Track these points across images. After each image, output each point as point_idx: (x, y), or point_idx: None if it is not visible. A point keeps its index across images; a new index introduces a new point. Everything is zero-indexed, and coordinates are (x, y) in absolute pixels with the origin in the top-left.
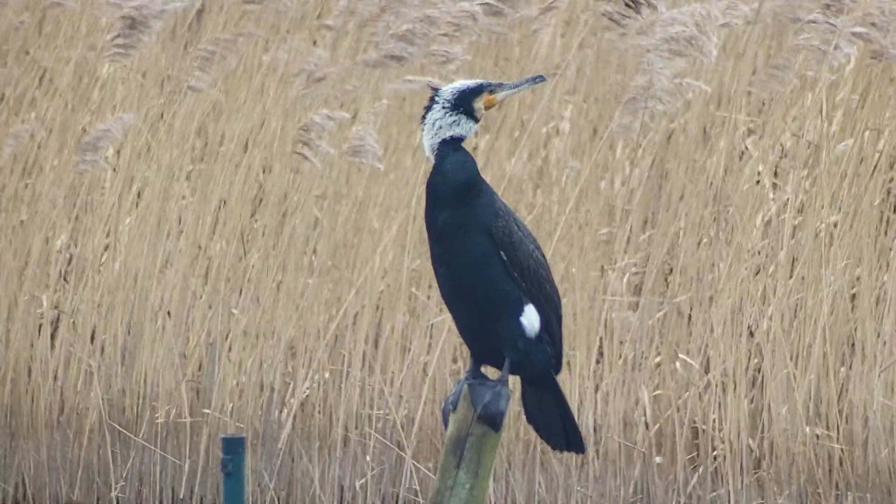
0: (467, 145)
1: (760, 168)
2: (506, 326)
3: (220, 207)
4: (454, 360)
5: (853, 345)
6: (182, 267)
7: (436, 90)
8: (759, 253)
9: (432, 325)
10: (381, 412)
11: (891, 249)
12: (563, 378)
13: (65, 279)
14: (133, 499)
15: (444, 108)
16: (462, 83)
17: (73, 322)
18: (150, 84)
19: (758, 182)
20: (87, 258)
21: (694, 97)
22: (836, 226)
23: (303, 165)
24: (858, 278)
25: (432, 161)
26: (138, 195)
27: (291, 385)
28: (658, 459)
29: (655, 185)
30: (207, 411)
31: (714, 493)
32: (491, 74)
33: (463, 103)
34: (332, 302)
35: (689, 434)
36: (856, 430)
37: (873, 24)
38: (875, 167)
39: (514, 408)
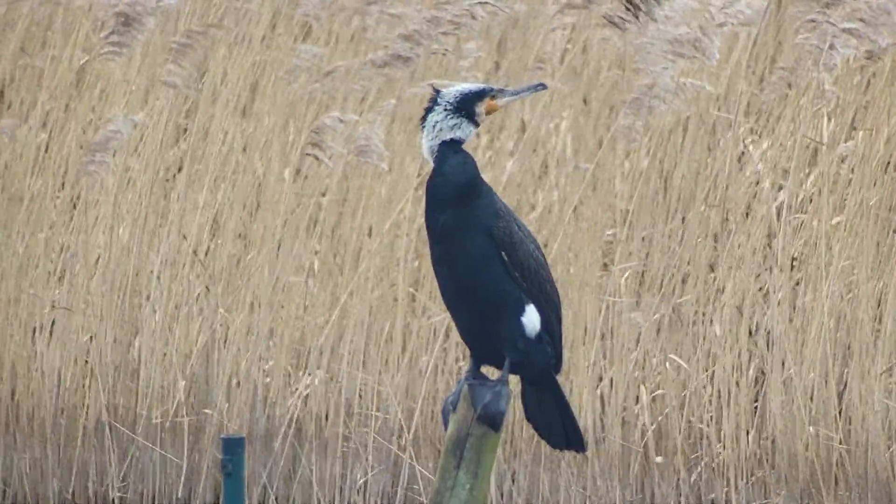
0: (467, 146)
1: (760, 168)
2: (506, 326)
3: (218, 207)
4: (456, 360)
5: (849, 346)
6: (181, 266)
7: (438, 92)
8: (760, 253)
9: (433, 324)
10: (381, 413)
11: (891, 250)
12: (563, 378)
13: (59, 279)
14: (131, 498)
15: (445, 110)
16: (465, 86)
17: (72, 321)
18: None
19: (757, 182)
20: (85, 257)
21: (695, 98)
22: (837, 227)
23: (306, 167)
24: (858, 281)
25: (430, 162)
26: (138, 195)
27: (291, 385)
28: (659, 459)
29: (656, 185)
30: (207, 411)
31: (714, 494)
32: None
33: (465, 107)
34: (332, 301)
35: (689, 434)
36: (856, 430)
37: (862, 20)
38: (887, 168)
39: (515, 407)
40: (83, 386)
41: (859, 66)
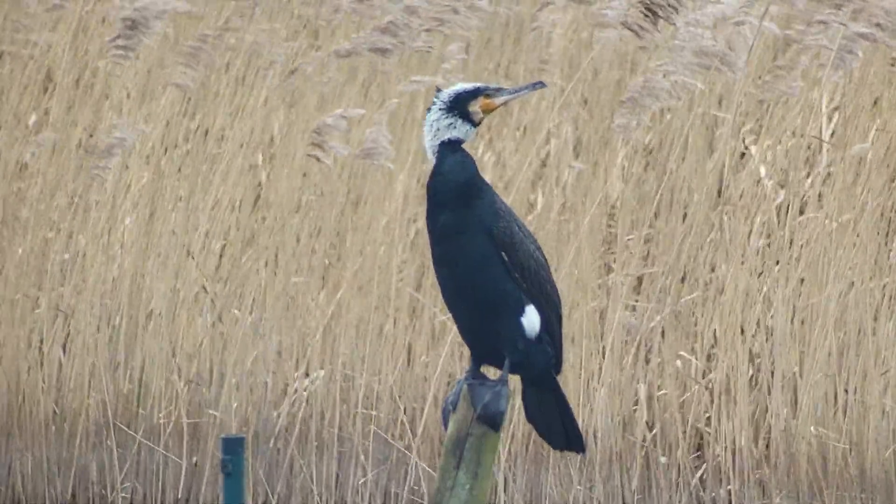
0: (468, 146)
1: (762, 169)
2: (506, 327)
3: (217, 207)
4: (459, 358)
5: (847, 347)
6: (181, 266)
7: (438, 91)
8: (761, 253)
9: (434, 324)
10: (382, 412)
11: (892, 249)
12: (565, 378)
13: (61, 280)
14: (132, 499)
15: (440, 110)
16: (460, 86)
17: (72, 321)
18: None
19: (758, 182)
20: (85, 258)
21: (697, 98)
22: (839, 226)
23: (307, 167)
24: (861, 281)
25: (433, 162)
26: (138, 195)
27: (292, 385)
28: (663, 459)
29: (656, 185)
30: (211, 412)
31: (714, 494)
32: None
33: (459, 106)
34: (333, 301)
35: (691, 434)
36: (859, 430)
37: (878, 25)
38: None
39: (515, 407)
40: (83, 387)
41: (867, 67)
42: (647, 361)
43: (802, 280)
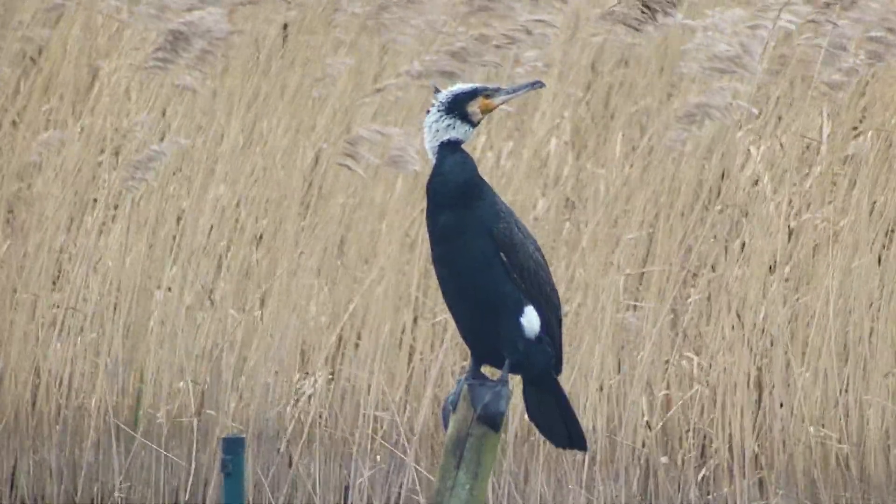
0: (468, 146)
1: (760, 169)
2: (506, 327)
3: (221, 206)
4: (463, 359)
5: (846, 346)
6: (186, 267)
7: (437, 93)
8: (763, 254)
9: (433, 324)
10: (383, 413)
11: (892, 250)
12: (566, 379)
13: (66, 280)
14: (136, 499)
15: (439, 111)
16: (458, 87)
17: (75, 322)
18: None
19: (755, 183)
20: (89, 257)
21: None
22: (839, 227)
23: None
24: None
25: (433, 163)
26: (139, 194)
27: (294, 385)
28: (664, 460)
29: (656, 185)
30: (210, 412)
31: (715, 493)
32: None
33: (457, 107)
34: (336, 303)
35: (693, 434)
36: (860, 431)
37: (891, 30)
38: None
39: (517, 408)
40: (86, 387)
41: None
42: (650, 362)
43: (801, 280)
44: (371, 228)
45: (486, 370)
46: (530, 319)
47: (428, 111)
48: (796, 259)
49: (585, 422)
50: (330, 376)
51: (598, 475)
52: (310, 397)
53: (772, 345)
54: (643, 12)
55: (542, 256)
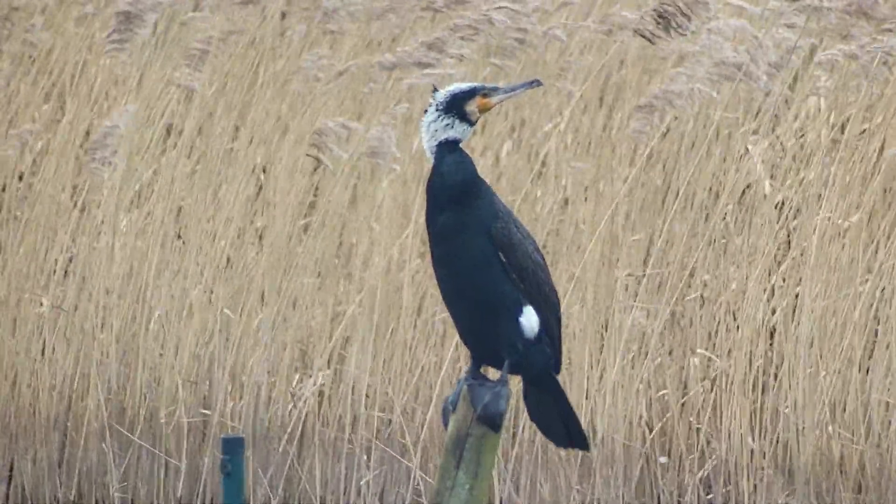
0: (468, 146)
1: (760, 167)
2: (504, 328)
3: (218, 206)
4: (460, 360)
5: (844, 346)
6: (184, 267)
7: (435, 92)
8: (764, 253)
9: (433, 324)
10: (384, 413)
11: None
12: (567, 378)
13: (62, 280)
14: (133, 500)
15: (437, 110)
16: (456, 86)
17: (73, 321)
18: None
19: (751, 183)
20: (87, 257)
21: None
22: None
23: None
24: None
25: (432, 162)
26: (138, 194)
27: (295, 386)
28: (663, 460)
29: (657, 185)
30: (206, 412)
31: (715, 494)
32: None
33: (455, 106)
34: (336, 302)
35: (693, 434)
36: (864, 430)
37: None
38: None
39: (517, 409)
40: (85, 387)
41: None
42: (651, 361)
43: (801, 279)
44: (370, 225)
45: (485, 370)
46: (529, 319)
47: (426, 111)
48: (796, 258)
49: (586, 421)
50: (330, 375)
51: (598, 475)
52: (310, 398)
53: (772, 344)
54: (658, 23)
55: (542, 256)
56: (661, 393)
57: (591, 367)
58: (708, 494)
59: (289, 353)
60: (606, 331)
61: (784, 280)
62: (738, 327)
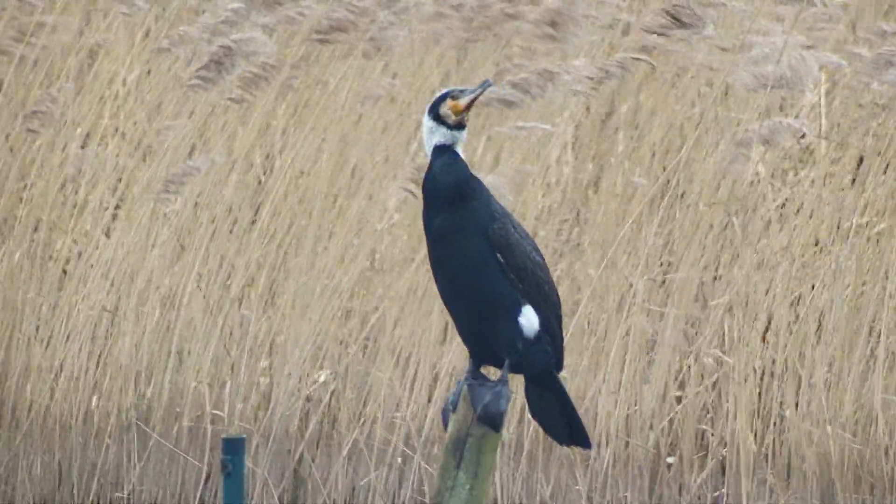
0: (468, 146)
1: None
2: (504, 328)
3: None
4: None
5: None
6: (196, 269)
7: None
8: (774, 253)
9: (433, 324)
10: (387, 414)
11: None
12: (569, 378)
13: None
14: (147, 501)
15: (426, 116)
16: (438, 93)
17: (89, 322)
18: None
19: (753, 182)
20: (92, 259)
21: (700, 98)
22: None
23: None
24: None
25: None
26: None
27: (299, 386)
28: (670, 460)
29: (657, 185)
30: (218, 412)
31: (717, 493)
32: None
33: (435, 111)
34: (340, 303)
35: (697, 434)
36: (867, 430)
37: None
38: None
39: (518, 408)
40: (104, 387)
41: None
42: (656, 362)
43: (801, 280)
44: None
45: (485, 370)
46: (529, 319)
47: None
48: (797, 259)
49: (589, 421)
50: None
51: (602, 475)
52: (316, 397)
53: (777, 343)
54: (672, 23)
55: (541, 256)
56: (665, 393)
57: (595, 368)
58: (712, 494)
59: (297, 354)
60: (608, 330)
61: (793, 278)
62: (739, 328)
